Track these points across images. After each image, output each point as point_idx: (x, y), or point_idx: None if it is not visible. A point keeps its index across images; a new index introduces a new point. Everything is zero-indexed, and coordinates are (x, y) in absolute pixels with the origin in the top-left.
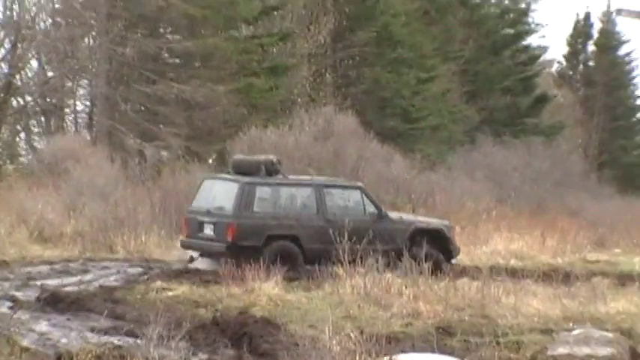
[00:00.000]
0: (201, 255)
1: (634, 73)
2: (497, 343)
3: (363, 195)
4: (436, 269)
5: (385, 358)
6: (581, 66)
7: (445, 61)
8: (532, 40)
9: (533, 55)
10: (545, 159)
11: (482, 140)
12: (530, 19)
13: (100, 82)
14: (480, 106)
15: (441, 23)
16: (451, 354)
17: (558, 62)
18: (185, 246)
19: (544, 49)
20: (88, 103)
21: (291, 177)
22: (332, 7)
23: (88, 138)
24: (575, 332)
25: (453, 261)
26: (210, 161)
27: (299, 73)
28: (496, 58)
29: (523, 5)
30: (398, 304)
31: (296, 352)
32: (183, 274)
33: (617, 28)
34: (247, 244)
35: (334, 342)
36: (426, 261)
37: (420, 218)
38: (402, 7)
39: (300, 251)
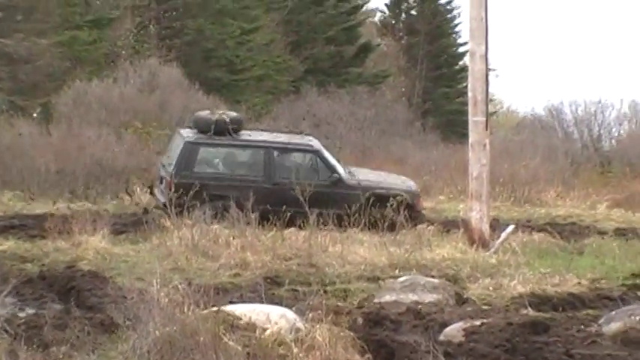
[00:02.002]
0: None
1: (456, 22)
2: (325, 291)
3: (318, 158)
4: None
5: (214, 308)
6: (403, 15)
7: (268, 12)
8: None
9: (356, 5)
10: (369, 108)
11: (307, 90)
12: None
13: None
14: (304, 56)
15: None
16: (279, 303)
17: (381, 11)
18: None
19: None
20: None
21: (244, 136)
22: None
23: None
24: (401, 279)
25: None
26: (35, 115)
27: (123, 26)
28: (319, 8)
29: None
30: (226, 255)
31: (124, 305)
32: (9, 228)
33: None
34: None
35: (162, 294)
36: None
37: (385, 180)
38: None
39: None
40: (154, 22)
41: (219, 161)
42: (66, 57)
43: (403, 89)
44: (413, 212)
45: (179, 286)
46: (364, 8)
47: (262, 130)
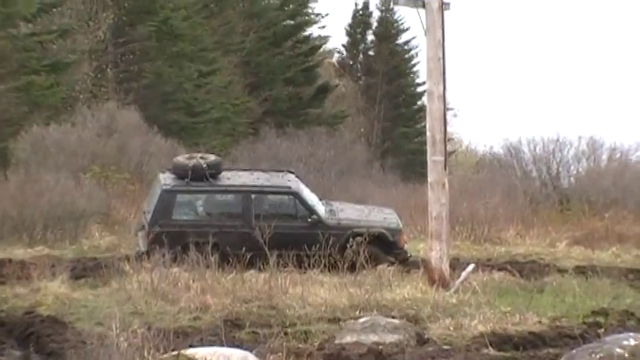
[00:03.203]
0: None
1: (414, 61)
2: (286, 333)
3: (297, 200)
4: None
5: (174, 352)
6: (361, 55)
7: (226, 54)
8: (312, 31)
9: (314, 46)
10: (328, 148)
11: (266, 132)
12: (309, 10)
13: None
14: (263, 98)
15: (220, 16)
16: (240, 346)
17: (339, 52)
18: None
19: (325, 39)
20: None
21: (223, 180)
22: (111, 2)
23: None
24: (362, 320)
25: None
26: None
27: (80, 70)
28: (277, 50)
29: None
30: (185, 298)
31: (84, 351)
32: None
33: (396, 17)
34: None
35: (122, 339)
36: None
37: (366, 218)
38: (182, 0)
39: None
40: (111, 66)
41: (197, 207)
42: (23, 102)
43: (362, 129)
44: (395, 249)
45: (139, 331)
46: (322, 49)
47: (242, 170)
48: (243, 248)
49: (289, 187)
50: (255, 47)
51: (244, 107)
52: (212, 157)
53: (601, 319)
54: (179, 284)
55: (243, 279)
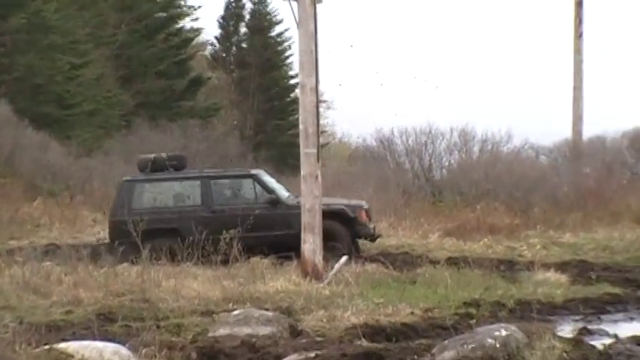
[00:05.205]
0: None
1: (287, 54)
2: (159, 326)
3: (256, 183)
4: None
5: (46, 347)
6: (234, 48)
7: (98, 46)
8: (185, 23)
9: (186, 38)
10: (201, 141)
11: (139, 124)
12: (182, 2)
13: None
14: (135, 91)
15: (92, 8)
16: (112, 340)
17: (212, 45)
18: None
19: (197, 31)
20: None
21: (184, 171)
22: None
23: None
24: (235, 313)
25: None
26: None
27: None
28: (149, 42)
29: None
30: (58, 292)
31: None
32: None
33: (269, 9)
34: (126, 241)
35: None
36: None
37: (331, 200)
38: None
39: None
40: None
41: (157, 196)
42: None
43: (235, 122)
44: (356, 225)
45: (10, 325)
46: (195, 42)
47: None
48: (204, 232)
49: (248, 171)
50: (128, 40)
51: (117, 100)
52: (175, 153)
53: (473, 310)
54: (51, 278)
55: (116, 272)
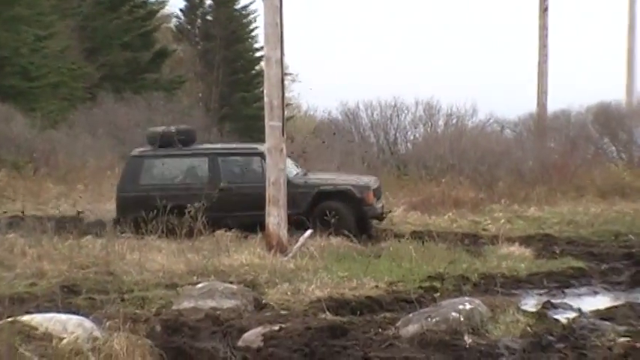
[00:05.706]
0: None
1: (252, 27)
2: (123, 299)
3: (263, 161)
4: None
5: (9, 319)
6: (199, 20)
7: (63, 18)
8: None
9: (151, 10)
10: (166, 114)
11: (104, 97)
12: None
13: None
14: (100, 63)
15: None
16: (76, 312)
17: (177, 17)
18: None
19: (162, 3)
20: None
21: (192, 147)
22: None
23: None
24: (199, 286)
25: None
26: None
27: None
28: (114, 14)
29: None
30: (22, 264)
31: None
32: None
33: None
34: (134, 216)
35: None
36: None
37: (337, 178)
38: None
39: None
40: None
41: (165, 172)
42: None
43: (200, 95)
44: (363, 205)
45: None
46: (159, 14)
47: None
48: (211, 209)
49: (256, 149)
50: (92, 12)
51: (81, 72)
52: (184, 126)
53: (437, 284)
54: (15, 250)
55: (80, 245)
